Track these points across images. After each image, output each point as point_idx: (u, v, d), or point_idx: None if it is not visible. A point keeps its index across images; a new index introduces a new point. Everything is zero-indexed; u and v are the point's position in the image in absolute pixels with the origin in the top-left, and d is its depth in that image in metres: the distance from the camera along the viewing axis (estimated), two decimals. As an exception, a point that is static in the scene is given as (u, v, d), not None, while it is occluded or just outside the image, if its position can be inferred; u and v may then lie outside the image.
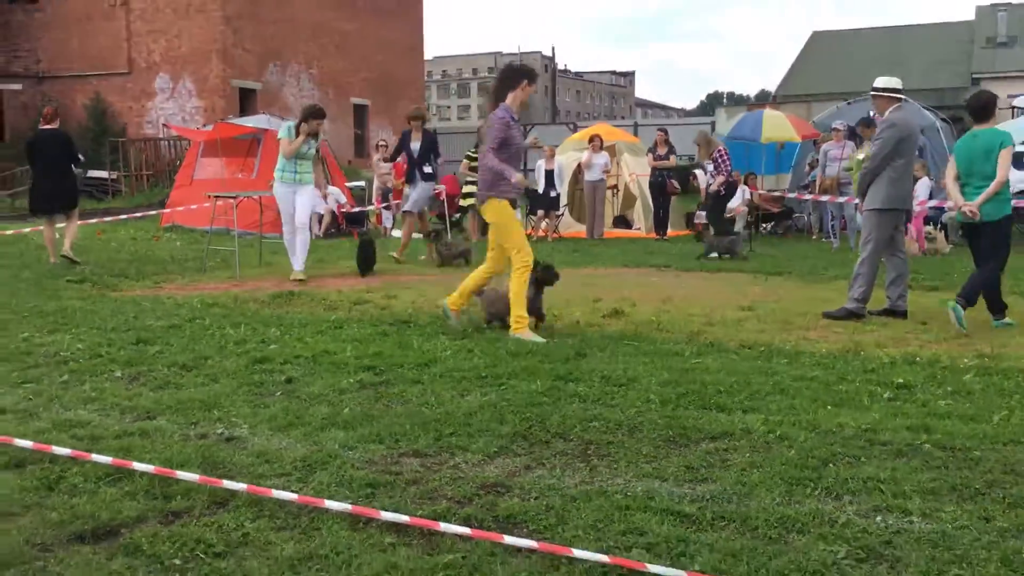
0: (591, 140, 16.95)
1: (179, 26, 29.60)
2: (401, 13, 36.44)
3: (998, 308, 7.16)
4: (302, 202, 9.80)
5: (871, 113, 12.21)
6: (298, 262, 9.72)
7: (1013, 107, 23.29)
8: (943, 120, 19.05)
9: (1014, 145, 7.21)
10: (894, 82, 7.82)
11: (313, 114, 9.88)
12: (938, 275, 10.43)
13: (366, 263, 10.31)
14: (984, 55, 35.95)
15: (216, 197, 11.21)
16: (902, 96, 7.80)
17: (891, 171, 7.54)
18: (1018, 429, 4.14)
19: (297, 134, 9.77)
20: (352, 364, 5.55)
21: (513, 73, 6.80)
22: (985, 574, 2.69)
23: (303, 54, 31.92)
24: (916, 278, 10.16)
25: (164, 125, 29.41)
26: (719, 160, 14.35)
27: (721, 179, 14.37)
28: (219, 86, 29.32)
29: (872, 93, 7.97)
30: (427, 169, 11.80)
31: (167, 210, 16.88)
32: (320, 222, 16.23)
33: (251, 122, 17.84)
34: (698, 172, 18.91)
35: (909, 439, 4.00)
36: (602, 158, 16.72)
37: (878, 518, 3.12)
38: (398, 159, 13.18)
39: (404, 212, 12.30)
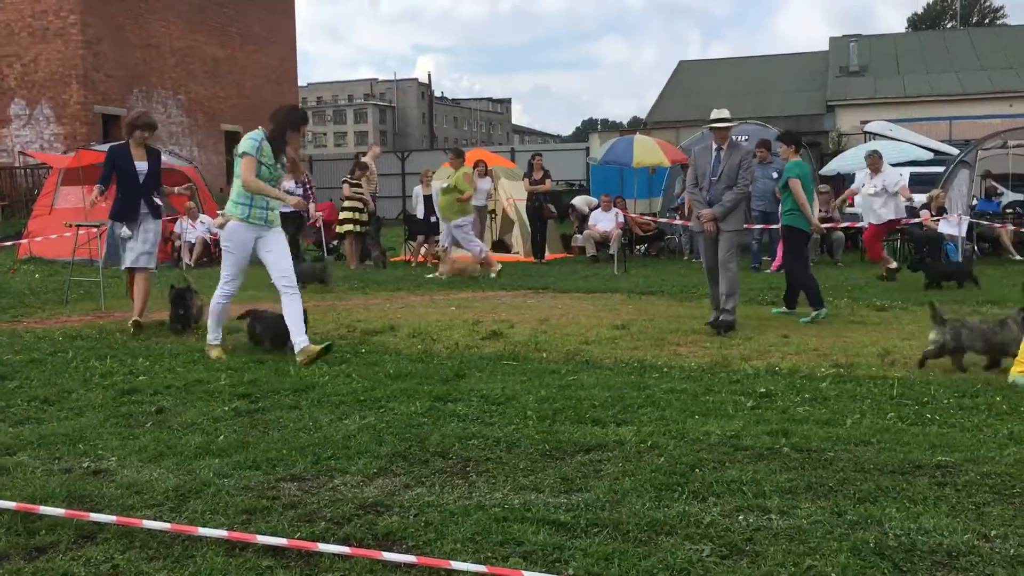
0: (475, 166, 17.05)
1: (36, 50, 28.32)
2: (273, 39, 35.95)
3: (792, 303, 9.09)
4: (282, 252, 6.75)
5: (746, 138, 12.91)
6: (300, 336, 6.53)
7: (865, 132, 24.77)
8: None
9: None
10: (725, 112, 8.37)
11: (299, 120, 6.86)
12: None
13: (180, 319, 8.04)
14: (838, 83, 38.06)
15: (78, 226, 10.78)
16: (733, 124, 8.44)
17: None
18: (868, 431, 4.42)
19: (276, 152, 6.70)
20: (226, 392, 5.44)
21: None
22: (836, 563, 2.87)
23: (170, 79, 31.04)
24: (778, 294, 10.68)
25: (21, 152, 28.03)
26: None
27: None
28: (80, 112, 28.16)
29: (715, 126, 8.33)
30: (157, 200, 8.38)
31: (24, 241, 16.09)
32: (191, 251, 15.79)
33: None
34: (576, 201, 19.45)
35: (769, 443, 4.22)
36: (486, 184, 16.84)
37: (740, 517, 3.29)
38: (105, 186, 8.21)
39: (128, 269, 8.35)
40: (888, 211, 12.43)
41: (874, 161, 12.72)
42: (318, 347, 6.47)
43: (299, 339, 6.52)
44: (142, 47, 29.85)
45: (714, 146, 8.29)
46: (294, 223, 11.50)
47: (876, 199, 12.40)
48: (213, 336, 6.89)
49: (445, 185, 13.73)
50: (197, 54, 32.10)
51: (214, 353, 6.74)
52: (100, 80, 28.60)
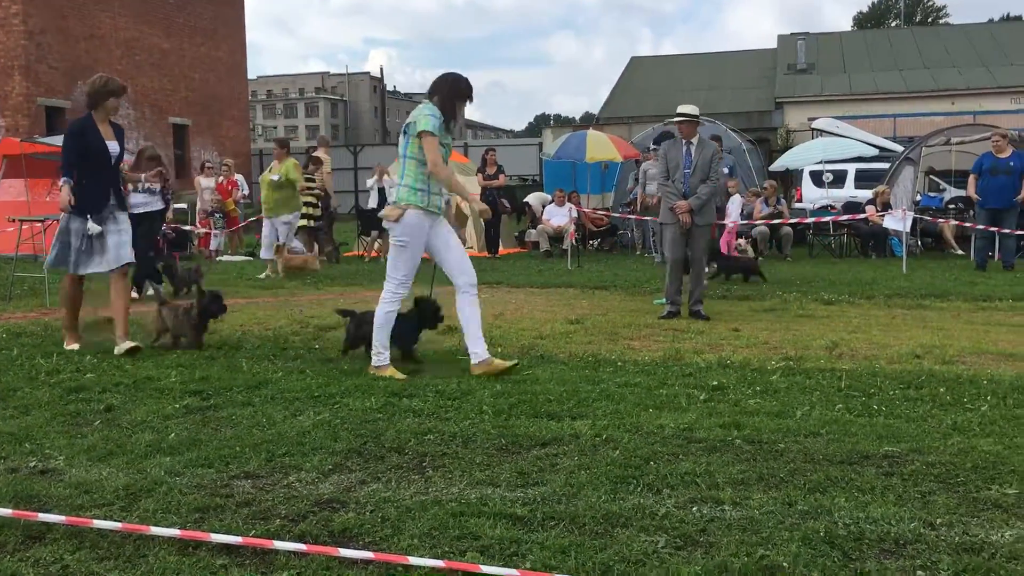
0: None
1: (-24, 40, 27.59)
2: (221, 31, 35.42)
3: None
4: (458, 245, 6.00)
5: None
6: (480, 344, 5.83)
7: (812, 129, 25.18)
8: (749, 142, 20.39)
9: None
10: (694, 108, 8.50)
11: (467, 89, 5.83)
12: (750, 285, 11.15)
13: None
14: (786, 81, 38.61)
15: (21, 221, 10.53)
16: (700, 120, 8.52)
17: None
18: (818, 423, 4.50)
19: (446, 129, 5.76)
20: (177, 389, 5.37)
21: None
22: (788, 553, 2.93)
23: (116, 71, 30.29)
24: (730, 288, 10.83)
25: (-39, 145, 27.25)
26: None
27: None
28: (22, 104, 27.50)
29: (681, 119, 8.47)
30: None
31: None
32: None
33: (60, 142, 16.83)
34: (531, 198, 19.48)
35: (722, 435, 4.28)
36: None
37: (694, 508, 3.34)
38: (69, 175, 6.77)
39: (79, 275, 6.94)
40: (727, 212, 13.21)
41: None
42: (506, 363, 5.74)
43: (477, 349, 5.75)
44: (86, 38, 29.23)
45: (683, 140, 8.42)
46: (150, 221, 10.17)
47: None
48: (383, 356, 5.80)
49: (276, 179, 12.71)
50: (143, 46, 31.52)
51: (387, 372, 5.71)
52: (43, 72, 27.96)
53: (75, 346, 6.78)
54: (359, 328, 6.30)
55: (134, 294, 9.05)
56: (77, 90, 28.60)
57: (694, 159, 8.32)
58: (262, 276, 12.54)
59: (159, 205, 10.41)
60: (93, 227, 6.66)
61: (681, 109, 8.54)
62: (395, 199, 5.82)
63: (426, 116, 5.62)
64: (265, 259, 13.10)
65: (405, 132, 5.74)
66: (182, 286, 10.47)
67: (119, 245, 6.76)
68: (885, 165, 17.75)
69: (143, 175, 9.14)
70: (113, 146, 6.81)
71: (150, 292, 10.84)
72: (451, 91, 5.73)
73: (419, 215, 5.69)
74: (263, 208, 13.11)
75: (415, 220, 5.68)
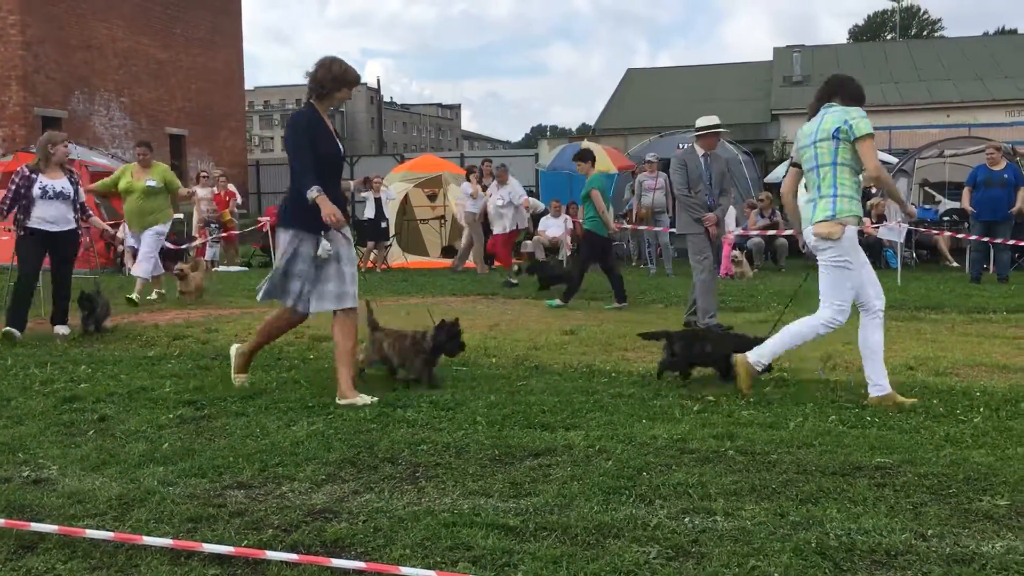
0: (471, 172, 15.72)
1: (-27, 51, 27.62)
2: (218, 42, 35.47)
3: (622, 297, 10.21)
4: (867, 262, 5.38)
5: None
6: (884, 375, 5.27)
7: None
8: (745, 153, 20.44)
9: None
10: (716, 119, 8.51)
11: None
12: (744, 297, 11.16)
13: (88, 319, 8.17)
14: (782, 93, 38.69)
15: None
16: (723, 130, 8.62)
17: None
18: (810, 434, 4.51)
19: None
20: (172, 399, 5.37)
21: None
22: (779, 564, 2.93)
23: (113, 82, 30.45)
24: (724, 300, 10.84)
25: (-42, 155, 27.28)
26: None
27: None
28: (19, 114, 27.50)
29: (705, 133, 8.44)
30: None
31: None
32: (135, 256, 15.48)
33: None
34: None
35: (715, 446, 4.29)
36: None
37: (686, 519, 3.34)
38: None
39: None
40: (510, 222, 13.37)
41: (501, 174, 13.62)
42: (908, 400, 5.15)
43: (882, 380, 5.20)
44: (84, 48, 29.26)
45: (700, 151, 8.41)
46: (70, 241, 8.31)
47: (505, 210, 13.22)
48: (882, 384, 5.17)
49: (153, 184, 10.84)
50: (140, 56, 31.55)
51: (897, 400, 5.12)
52: (41, 82, 27.97)
53: (243, 380, 5.78)
54: (688, 349, 5.90)
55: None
56: (73, 100, 28.65)
57: (710, 171, 8.34)
58: (135, 296, 10.44)
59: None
60: (326, 248, 5.29)
61: (703, 122, 8.50)
62: (828, 213, 5.09)
63: (862, 119, 5.06)
64: (140, 276, 10.91)
65: (835, 137, 5.06)
66: (90, 324, 8.24)
67: (351, 279, 5.48)
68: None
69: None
70: (340, 147, 5.60)
71: (153, 296, 10.87)
72: (854, 91, 5.23)
73: (854, 229, 5.16)
74: (130, 219, 11.18)
75: (854, 235, 5.15)
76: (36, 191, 7.91)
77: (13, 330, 7.76)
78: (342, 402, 5.26)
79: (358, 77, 5.54)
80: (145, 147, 11.55)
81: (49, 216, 7.98)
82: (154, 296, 11.09)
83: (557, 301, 10.30)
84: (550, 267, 12.81)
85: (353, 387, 5.37)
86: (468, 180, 15.48)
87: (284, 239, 5.43)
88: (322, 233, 5.30)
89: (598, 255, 10.67)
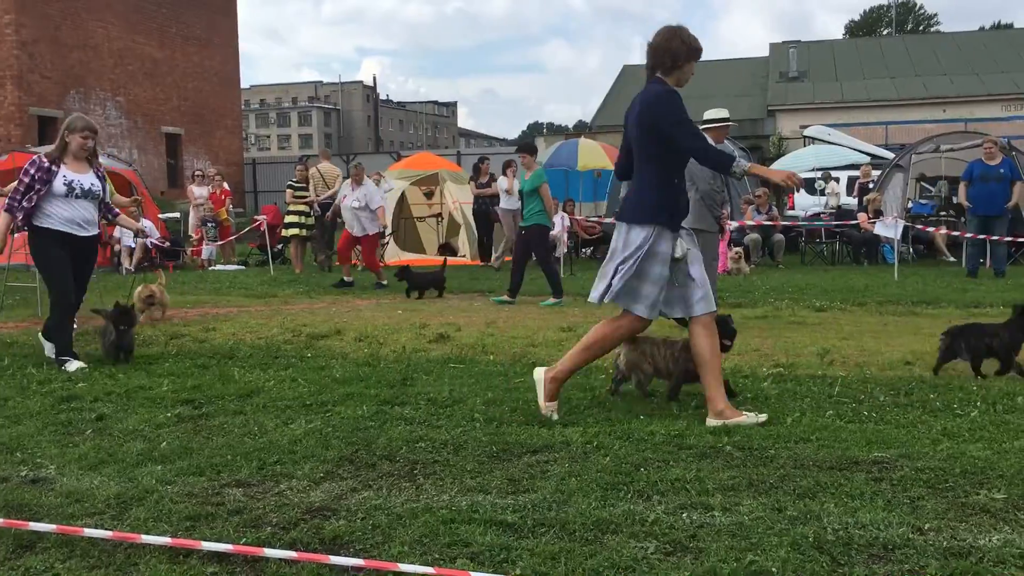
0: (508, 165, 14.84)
1: (-32, 50, 27.56)
2: (214, 40, 35.43)
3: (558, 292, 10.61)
4: None
5: None
6: None
7: (804, 136, 25.25)
8: (742, 149, 20.42)
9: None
10: (726, 112, 8.41)
11: None
12: (741, 293, 11.18)
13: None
14: (778, 88, 38.74)
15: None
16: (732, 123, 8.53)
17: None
18: (808, 429, 4.52)
19: None
20: (169, 398, 5.37)
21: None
22: (777, 558, 2.94)
23: (108, 81, 30.43)
24: (722, 296, 10.85)
25: (-46, 155, 27.21)
26: None
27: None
28: (15, 114, 27.48)
29: (717, 126, 8.30)
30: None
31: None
32: (131, 256, 15.51)
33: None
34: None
35: (712, 442, 4.29)
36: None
37: (684, 514, 3.35)
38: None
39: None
40: (370, 224, 12.74)
41: (356, 173, 12.97)
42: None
43: None
44: (79, 48, 29.23)
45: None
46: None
47: (361, 213, 12.66)
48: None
49: None
50: (136, 55, 31.52)
51: None
52: (36, 81, 27.94)
53: (553, 409, 4.88)
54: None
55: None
56: (69, 99, 28.59)
57: None
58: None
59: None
60: (683, 247, 4.79)
61: (712, 114, 8.35)
62: None
63: None
64: None
65: None
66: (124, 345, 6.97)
67: (703, 279, 4.85)
68: (876, 172, 17.82)
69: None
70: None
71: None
72: None
73: None
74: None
75: None
76: (59, 186, 6.50)
77: (78, 363, 6.40)
78: (715, 423, 4.59)
79: (700, 48, 4.92)
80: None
81: (78, 217, 6.57)
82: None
83: (551, 301, 10.43)
84: (420, 273, 11.85)
85: (727, 405, 4.70)
86: (504, 175, 14.79)
87: (638, 236, 4.72)
88: (677, 231, 4.79)
89: (540, 246, 10.92)
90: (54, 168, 6.52)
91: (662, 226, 4.72)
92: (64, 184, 6.50)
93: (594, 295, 4.93)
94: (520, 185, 11.59)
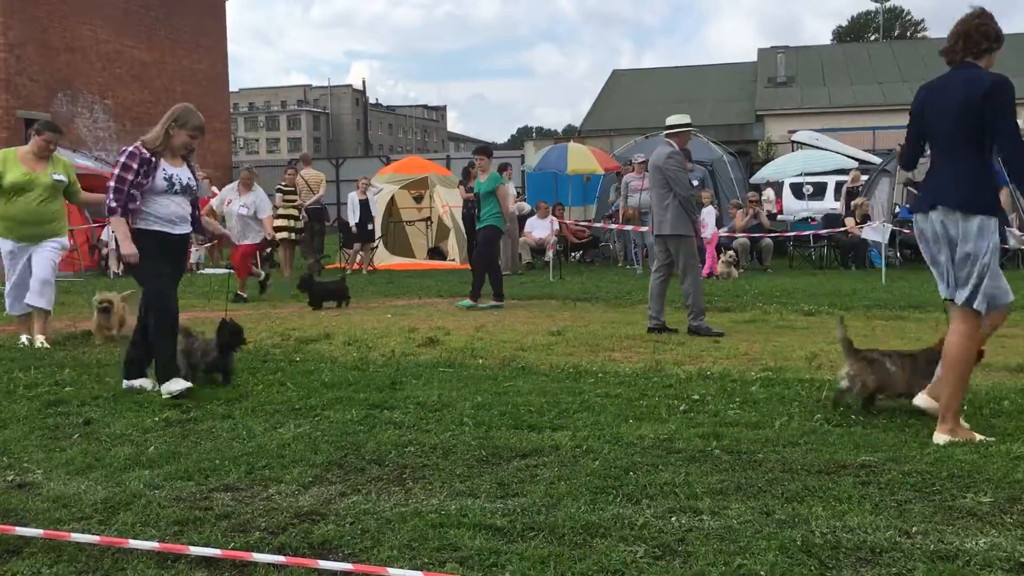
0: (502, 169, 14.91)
1: (-45, 53, 27.42)
2: (203, 44, 35.33)
3: (476, 296, 10.60)
4: None
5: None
6: None
7: (793, 141, 25.33)
8: (730, 154, 20.52)
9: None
10: (687, 117, 8.53)
11: None
12: (730, 297, 11.21)
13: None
14: (766, 93, 38.86)
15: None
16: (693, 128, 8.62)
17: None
18: (796, 433, 4.54)
19: None
20: (157, 402, 5.35)
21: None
22: (765, 562, 2.95)
23: (96, 84, 30.29)
24: (711, 300, 10.89)
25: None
26: None
27: None
28: (2, 117, 27.33)
29: (679, 130, 8.43)
30: None
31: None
32: (119, 259, 15.41)
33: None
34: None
35: (701, 446, 4.30)
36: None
37: (673, 518, 3.35)
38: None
39: None
40: (256, 234, 11.92)
41: (246, 178, 12.09)
42: None
43: None
44: (67, 50, 29.10)
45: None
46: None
47: (251, 221, 11.85)
48: None
49: (60, 178, 7.86)
50: (124, 58, 31.39)
51: None
52: (23, 84, 27.79)
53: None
54: None
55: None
56: (56, 102, 28.47)
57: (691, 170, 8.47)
58: (24, 340, 7.83)
59: None
60: (1019, 237, 4.68)
61: (677, 120, 8.50)
62: None
63: None
64: (43, 307, 7.85)
65: None
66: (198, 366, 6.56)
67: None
68: (864, 177, 17.90)
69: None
70: None
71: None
72: None
73: None
74: (12, 227, 7.77)
75: None
76: (160, 181, 5.80)
77: (185, 382, 5.64)
78: (942, 440, 4.30)
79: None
80: (52, 132, 8.05)
81: (174, 214, 5.88)
82: (39, 342, 7.73)
83: (492, 303, 10.55)
84: (322, 283, 11.44)
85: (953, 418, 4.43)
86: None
87: (989, 227, 4.40)
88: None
89: (489, 247, 11.07)
90: (154, 161, 5.79)
91: (998, 218, 4.52)
92: (164, 179, 5.80)
93: (972, 302, 4.45)
94: (476, 187, 11.66)
